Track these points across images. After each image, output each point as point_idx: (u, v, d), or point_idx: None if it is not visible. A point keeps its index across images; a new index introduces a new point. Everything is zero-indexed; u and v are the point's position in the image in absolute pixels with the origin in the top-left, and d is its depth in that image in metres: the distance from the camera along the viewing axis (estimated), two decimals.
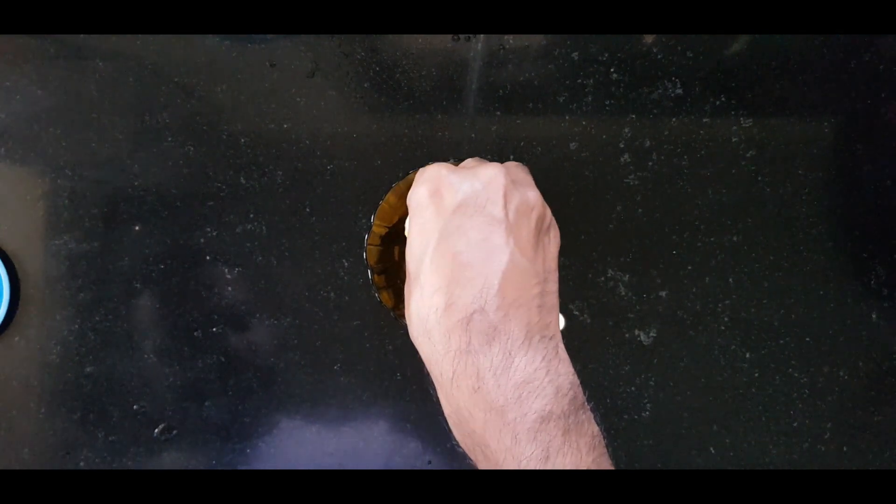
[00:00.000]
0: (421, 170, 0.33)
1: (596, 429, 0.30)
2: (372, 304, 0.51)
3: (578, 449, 0.28)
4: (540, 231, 0.32)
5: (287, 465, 0.51)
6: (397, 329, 0.51)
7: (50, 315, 0.50)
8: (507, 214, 0.31)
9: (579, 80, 0.51)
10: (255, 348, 0.51)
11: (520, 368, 0.28)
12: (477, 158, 0.36)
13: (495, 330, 0.28)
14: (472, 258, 0.29)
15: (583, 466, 0.28)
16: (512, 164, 0.35)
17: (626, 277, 0.51)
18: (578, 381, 0.30)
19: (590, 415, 0.30)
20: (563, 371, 0.29)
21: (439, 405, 0.31)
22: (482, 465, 0.30)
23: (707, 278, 0.52)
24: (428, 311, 0.30)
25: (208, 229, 0.51)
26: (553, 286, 0.32)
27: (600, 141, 0.51)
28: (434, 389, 0.31)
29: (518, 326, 0.29)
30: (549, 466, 0.27)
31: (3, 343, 0.50)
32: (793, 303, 0.52)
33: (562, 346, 0.31)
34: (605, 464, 0.29)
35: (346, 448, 0.51)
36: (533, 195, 0.32)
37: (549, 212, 0.33)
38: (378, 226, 0.46)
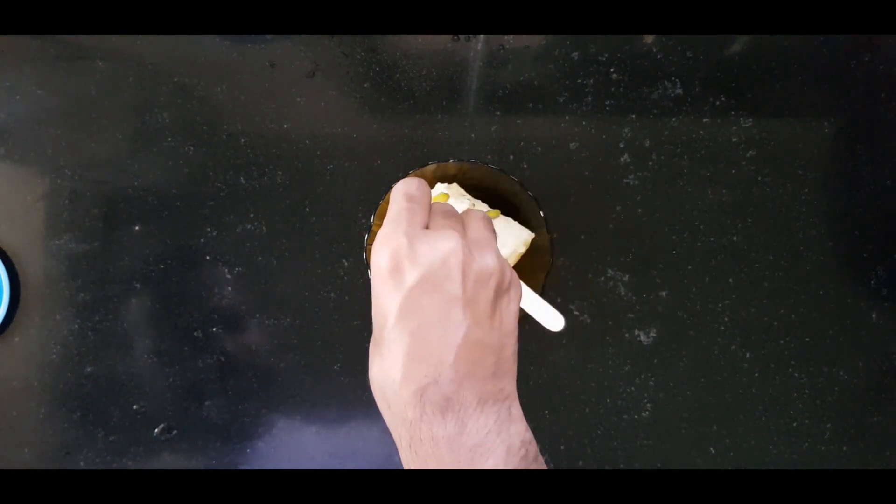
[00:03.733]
0: (384, 231, 0.33)
1: None
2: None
3: None
4: (499, 296, 0.33)
5: (287, 465, 0.51)
6: None
7: (50, 315, 0.50)
8: (464, 290, 0.31)
9: (579, 80, 0.51)
10: (255, 348, 0.51)
11: (472, 434, 0.30)
12: (443, 213, 0.35)
13: (448, 400, 0.30)
14: (428, 335, 0.31)
15: None
16: (473, 219, 0.35)
17: (626, 277, 0.51)
18: (531, 437, 0.32)
19: (543, 468, 0.32)
20: (515, 431, 0.31)
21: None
22: None
23: (707, 278, 0.52)
24: (385, 381, 0.31)
25: (208, 229, 0.51)
26: (510, 349, 0.33)
27: (600, 141, 0.51)
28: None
29: (471, 395, 0.30)
30: None
31: (3, 343, 0.50)
32: (793, 303, 0.52)
33: (516, 405, 0.32)
34: None
35: (346, 448, 0.51)
36: (491, 261, 0.33)
37: (508, 271, 0.34)
38: (378, 226, 0.46)
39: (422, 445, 0.30)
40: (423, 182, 0.35)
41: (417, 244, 0.32)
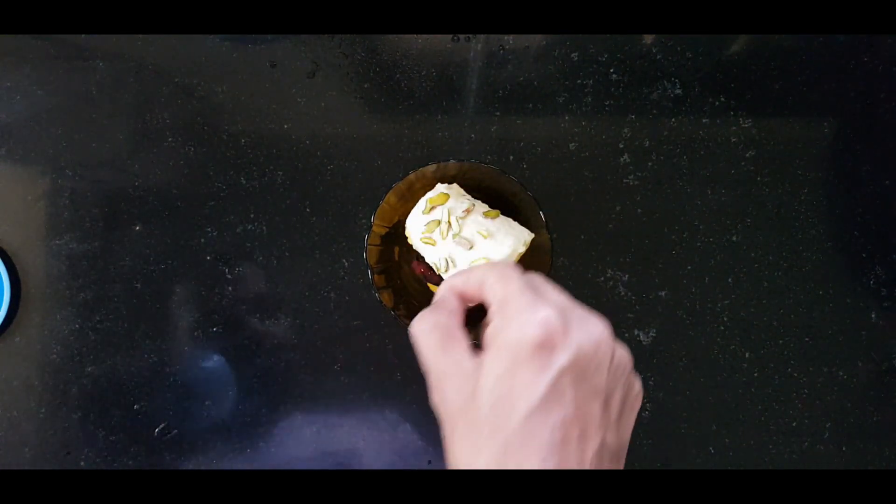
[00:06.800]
0: (523, 300, 0.28)
1: None
2: (372, 304, 0.51)
3: None
4: (627, 396, 0.30)
5: (287, 465, 0.51)
6: (397, 329, 0.51)
7: (51, 315, 0.50)
8: (607, 384, 0.28)
9: (579, 81, 0.51)
10: (255, 348, 0.51)
11: None
12: (552, 287, 0.30)
13: None
14: (570, 434, 0.27)
15: None
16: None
17: (626, 277, 0.51)
18: None
19: None
20: None
21: None
22: None
23: (706, 278, 0.52)
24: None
25: (208, 229, 0.51)
26: (623, 461, 0.30)
27: (600, 141, 0.51)
28: None
29: None
30: None
31: (4, 343, 0.50)
32: (792, 303, 0.52)
33: None
34: None
35: (346, 448, 0.51)
36: (628, 356, 0.30)
37: (634, 373, 0.31)
38: (378, 226, 0.46)
39: None
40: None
41: (568, 321, 0.28)
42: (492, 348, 0.28)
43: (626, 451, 0.30)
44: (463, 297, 0.31)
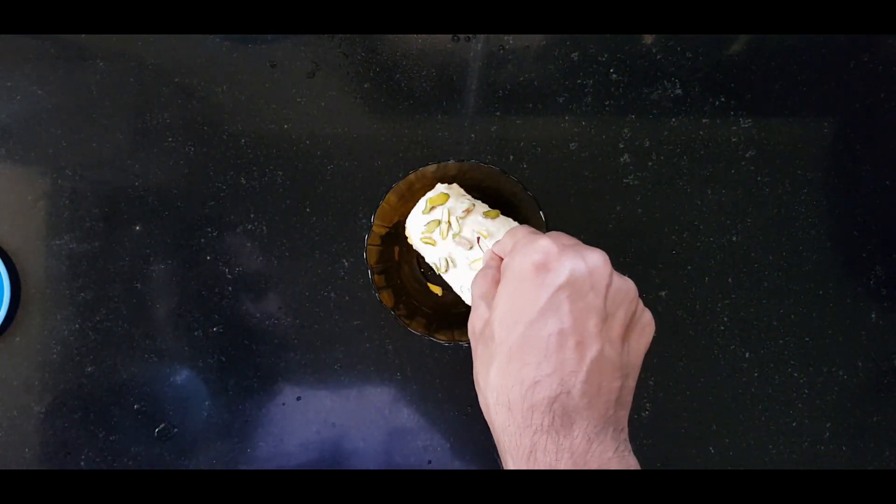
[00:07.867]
0: (527, 238, 0.33)
1: None
2: (372, 304, 0.51)
3: None
4: (632, 324, 0.33)
5: (287, 465, 0.51)
6: (397, 329, 0.51)
7: (50, 315, 0.50)
8: (605, 304, 0.31)
9: (579, 81, 0.51)
10: (255, 348, 0.51)
11: (596, 454, 0.29)
12: (565, 235, 0.35)
13: (576, 414, 0.30)
14: (566, 342, 0.30)
15: None
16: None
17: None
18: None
19: None
20: (632, 464, 0.31)
21: (499, 464, 0.32)
22: None
23: (706, 278, 0.52)
24: (513, 383, 0.30)
25: (209, 229, 0.51)
26: (632, 382, 0.33)
27: (600, 141, 0.51)
28: (499, 456, 0.32)
29: (596, 415, 0.30)
30: None
31: (4, 342, 0.50)
32: (792, 303, 0.52)
33: (629, 446, 0.32)
34: None
35: (346, 448, 0.51)
36: (631, 285, 0.33)
37: (641, 304, 0.34)
38: (378, 226, 0.46)
39: (545, 455, 0.29)
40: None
41: (566, 253, 0.32)
42: (503, 280, 0.33)
43: (635, 372, 0.33)
44: (500, 259, 0.36)
